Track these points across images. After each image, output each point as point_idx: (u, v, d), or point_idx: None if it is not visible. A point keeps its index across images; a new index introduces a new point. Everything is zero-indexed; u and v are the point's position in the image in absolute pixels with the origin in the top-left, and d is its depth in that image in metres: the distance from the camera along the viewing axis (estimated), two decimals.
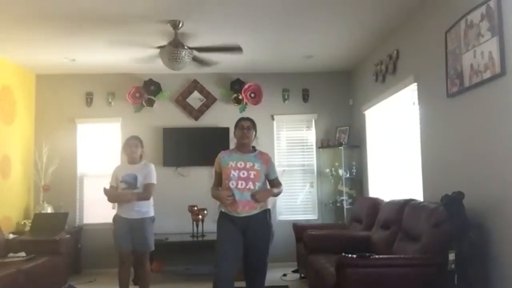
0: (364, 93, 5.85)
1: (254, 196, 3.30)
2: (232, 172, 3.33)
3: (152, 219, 4.22)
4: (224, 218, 3.41)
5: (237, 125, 3.52)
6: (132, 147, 4.22)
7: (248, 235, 3.33)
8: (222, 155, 3.48)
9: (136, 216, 4.11)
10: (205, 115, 6.39)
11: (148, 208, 4.19)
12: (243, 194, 3.31)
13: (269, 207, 3.49)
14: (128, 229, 4.11)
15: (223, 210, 3.43)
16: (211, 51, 4.68)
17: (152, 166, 4.28)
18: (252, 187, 3.33)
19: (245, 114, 6.20)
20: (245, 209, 3.31)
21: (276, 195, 3.57)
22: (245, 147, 3.48)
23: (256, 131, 3.56)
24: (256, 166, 3.39)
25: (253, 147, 3.56)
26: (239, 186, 3.31)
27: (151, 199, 4.22)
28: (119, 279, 4.21)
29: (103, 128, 6.35)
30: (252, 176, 3.34)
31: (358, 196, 5.90)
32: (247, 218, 3.32)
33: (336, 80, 6.52)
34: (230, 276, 3.25)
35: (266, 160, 3.48)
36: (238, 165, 3.37)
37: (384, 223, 4.20)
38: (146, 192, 4.13)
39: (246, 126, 3.47)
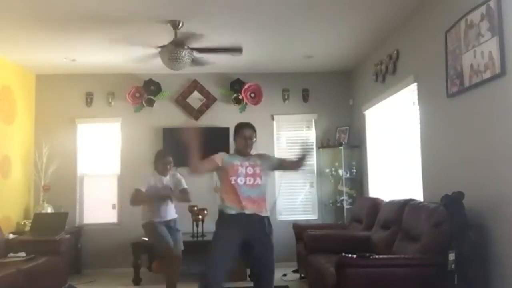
0: (364, 93, 5.85)
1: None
2: (240, 169, 3.25)
3: None
4: (223, 220, 3.28)
5: (238, 132, 3.39)
6: (171, 164, 4.54)
7: (252, 239, 3.21)
8: (224, 155, 3.37)
9: (174, 216, 4.54)
10: (205, 115, 6.39)
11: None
12: (252, 190, 3.24)
13: (268, 211, 3.38)
14: (167, 229, 4.42)
15: (224, 209, 3.26)
16: (211, 52, 4.67)
17: (180, 175, 4.62)
18: (260, 182, 3.28)
19: (245, 114, 6.26)
20: (253, 206, 3.22)
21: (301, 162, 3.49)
22: (246, 153, 3.40)
23: (256, 136, 3.47)
24: (258, 162, 3.34)
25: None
26: (248, 182, 3.24)
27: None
28: (170, 280, 4.42)
29: (103, 128, 6.35)
30: (258, 171, 3.29)
31: (358, 196, 5.90)
32: (251, 218, 3.21)
33: (336, 80, 6.52)
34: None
35: (265, 156, 3.46)
36: (243, 163, 3.30)
37: (384, 223, 4.21)
38: (187, 195, 4.53)
39: (248, 135, 3.36)
